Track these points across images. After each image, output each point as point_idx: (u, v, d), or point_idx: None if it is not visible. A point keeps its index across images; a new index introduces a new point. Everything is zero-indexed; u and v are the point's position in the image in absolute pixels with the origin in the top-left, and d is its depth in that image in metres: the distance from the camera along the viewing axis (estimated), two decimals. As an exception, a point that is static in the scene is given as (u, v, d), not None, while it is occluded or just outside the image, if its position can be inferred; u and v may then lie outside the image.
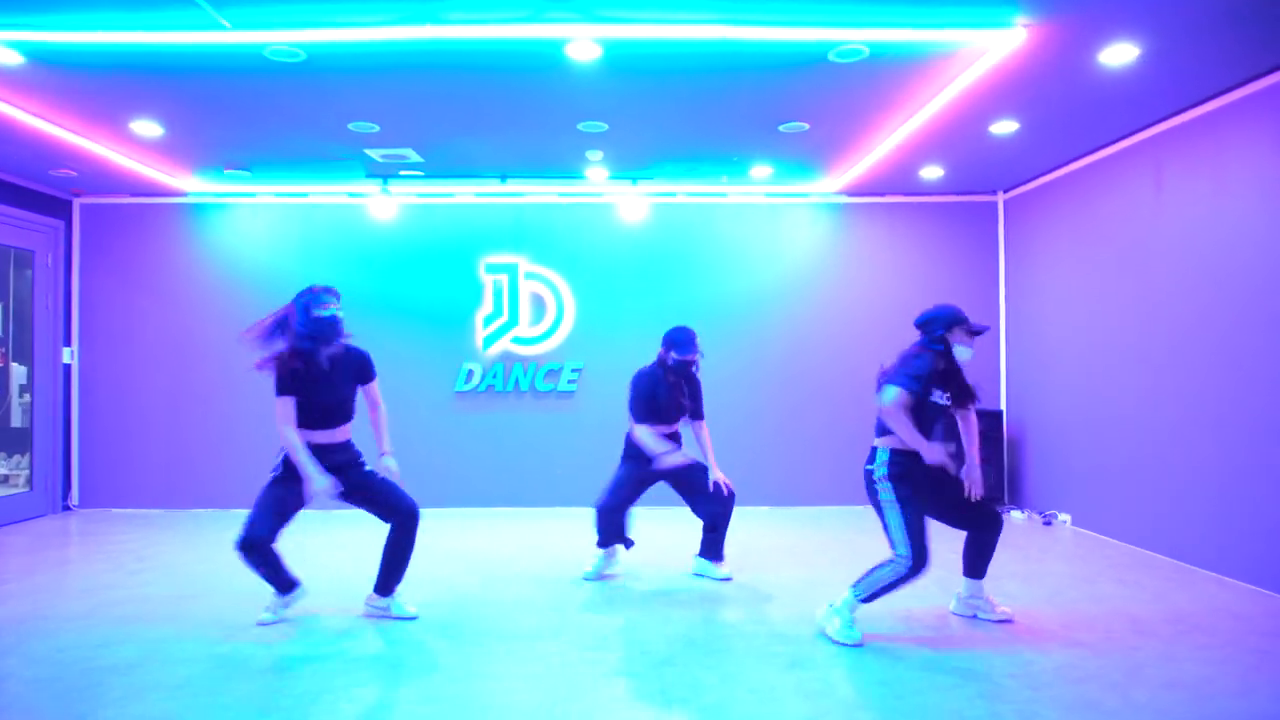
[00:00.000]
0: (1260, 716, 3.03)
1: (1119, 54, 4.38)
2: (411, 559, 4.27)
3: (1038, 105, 5.22)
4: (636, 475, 4.96)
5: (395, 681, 3.41)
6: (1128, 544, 5.89)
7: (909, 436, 3.73)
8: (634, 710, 3.10)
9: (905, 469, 3.80)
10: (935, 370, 3.86)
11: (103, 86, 4.88)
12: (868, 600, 3.83)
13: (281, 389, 3.94)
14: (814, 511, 7.39)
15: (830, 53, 4.41)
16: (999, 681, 3.35)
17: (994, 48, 4.33)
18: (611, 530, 4.95)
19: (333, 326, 4.01)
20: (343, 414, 4.13)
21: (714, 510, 5.01)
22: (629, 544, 5.07)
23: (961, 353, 3.90)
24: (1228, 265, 4.99)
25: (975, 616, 4.17)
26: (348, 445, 4.17)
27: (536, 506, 7.48)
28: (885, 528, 3.85)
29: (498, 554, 5.74)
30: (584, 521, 5.00)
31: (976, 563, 4.11)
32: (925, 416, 3.84)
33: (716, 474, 4.98)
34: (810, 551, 5.83)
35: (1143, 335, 5.77)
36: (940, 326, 3.90)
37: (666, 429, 5.04)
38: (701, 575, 5.13)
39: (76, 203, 7.62)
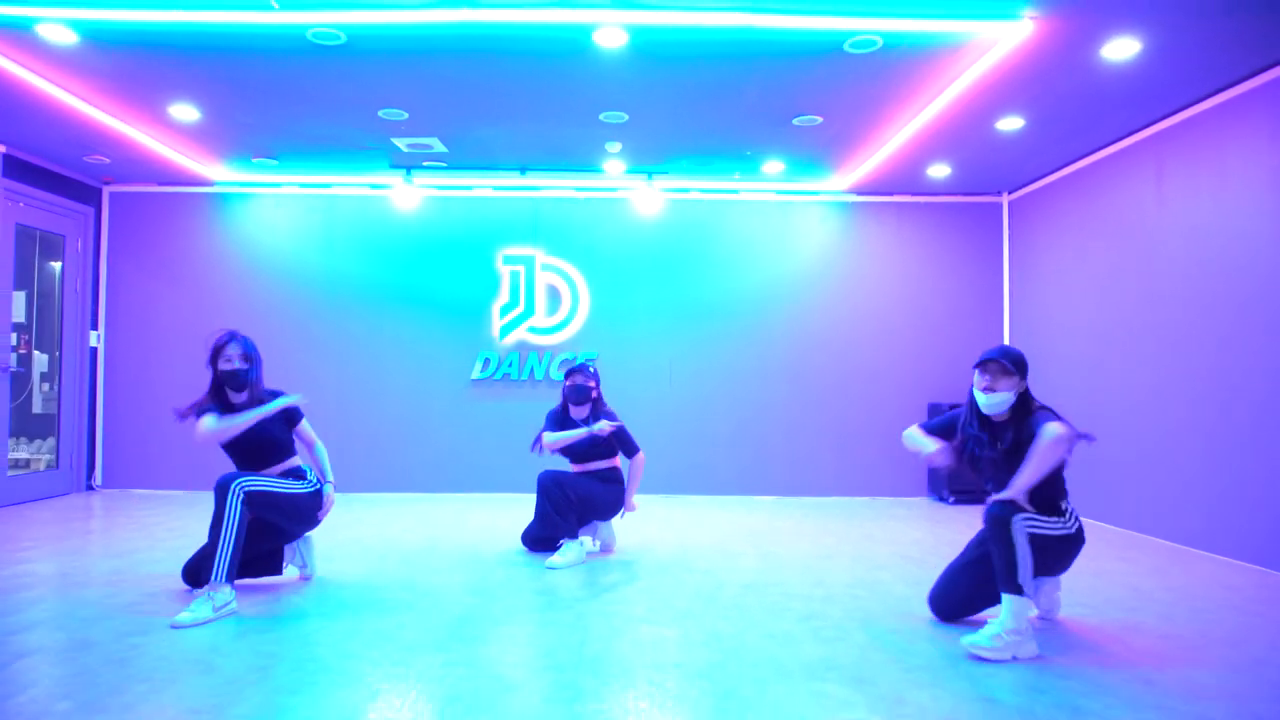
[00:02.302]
0: (1253, 663, 3.19)
1: (1121, 48, 4.58)
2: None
3: (1043, 101, 5.42)
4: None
5: (421, 646, 3.58)
6: (1125, 529, 6.06)
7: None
8: (657, 654, 3.26)
9: None
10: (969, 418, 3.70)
11: (148, 68, 5.10)
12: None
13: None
14: (818, 502, 7.56)
15: (845, 43, 4.62)
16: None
17: (1001, 40, 4.54)
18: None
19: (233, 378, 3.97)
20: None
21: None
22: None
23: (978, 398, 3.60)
24: (1228, 262, 5.17)
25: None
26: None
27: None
28: None
29: (512, 532, 5.91)
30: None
31: None
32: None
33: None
34: (816, 533, 6.00)
35: (1144, 333, 5.95)
36: None
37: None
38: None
39: (106, 190, 7.84)
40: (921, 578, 4.52)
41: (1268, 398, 4.84)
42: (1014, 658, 3.20)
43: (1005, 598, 3.29)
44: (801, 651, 3.25)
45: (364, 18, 4.40)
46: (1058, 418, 3.45)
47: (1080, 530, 3.53)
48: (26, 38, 4.67)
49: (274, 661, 3.07)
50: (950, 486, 7.42)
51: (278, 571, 4.31)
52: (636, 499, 5.28)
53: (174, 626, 3.47)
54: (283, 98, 5.62)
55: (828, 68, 4.99)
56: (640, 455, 5.14)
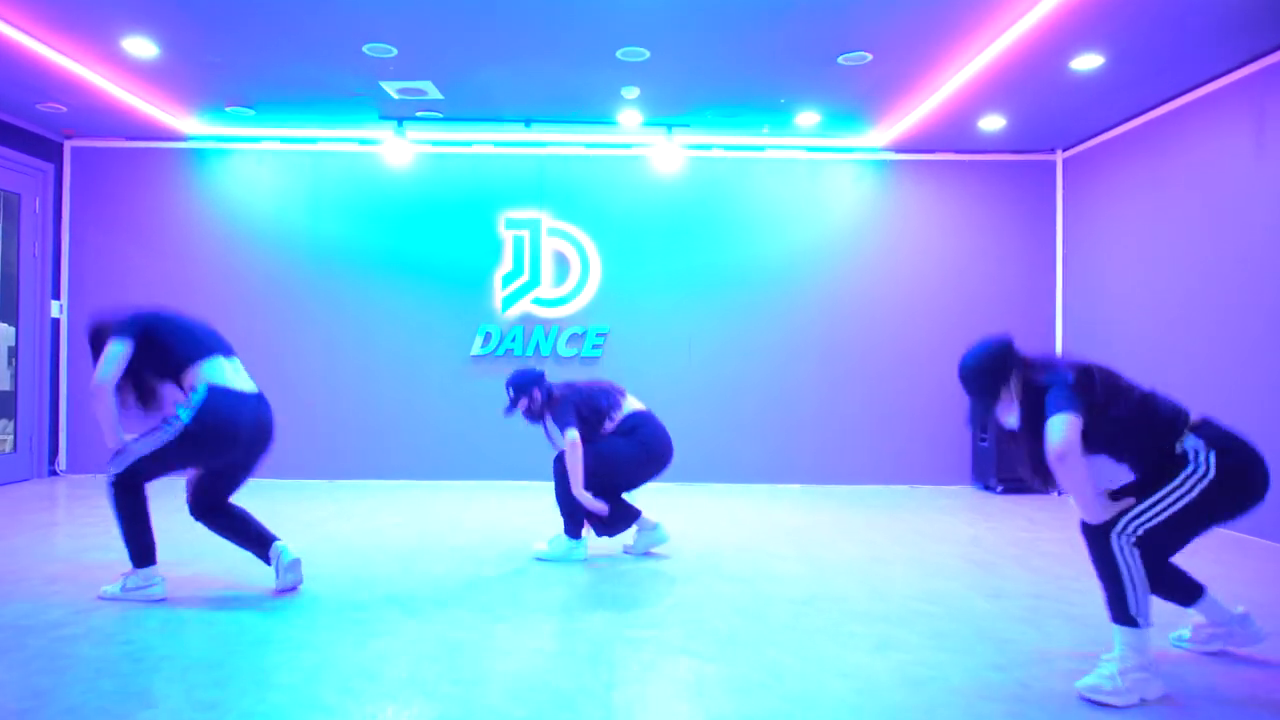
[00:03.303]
0: None
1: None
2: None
3: (1130, 31, 4.66)
4: None
5: (426, 653, 2.90)
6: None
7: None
8: (703, 701, 2.58)
9: None
10: None
11: (90, -10, 4.37)
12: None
13: None
14: (853, 491, 6.87)
15: (915, -46, 3.88)
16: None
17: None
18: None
19: None
20: None
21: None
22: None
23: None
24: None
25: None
26: None
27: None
28: None
29: (515, 527, 5.24)
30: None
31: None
32: None
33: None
34: (859, 528, 5.31)
35: (1230, 309, 5.22)
36: None
37: None
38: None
39: (67, 145, 7.09)
40: (999, 588, 3.84)
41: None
42: (1141, 700, 2.54)
43: (1116, 630, 2.63)
44: (889, 699, 2.56)
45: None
46: (1068, 405, 2.65)
47: (1227, 466, 2.66)
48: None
49: (213, 715, 2.38)
50: (999, 474, 6.72)
51: (263, 558, 3.65)
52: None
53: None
54: (249, 29, 4.86)
55: (888, -12, 4.25)
56: (565, 435, 4.22)
